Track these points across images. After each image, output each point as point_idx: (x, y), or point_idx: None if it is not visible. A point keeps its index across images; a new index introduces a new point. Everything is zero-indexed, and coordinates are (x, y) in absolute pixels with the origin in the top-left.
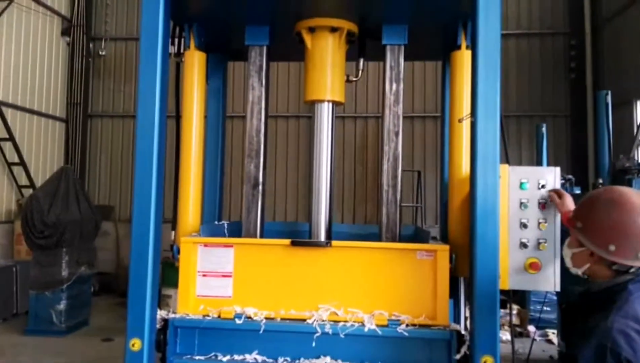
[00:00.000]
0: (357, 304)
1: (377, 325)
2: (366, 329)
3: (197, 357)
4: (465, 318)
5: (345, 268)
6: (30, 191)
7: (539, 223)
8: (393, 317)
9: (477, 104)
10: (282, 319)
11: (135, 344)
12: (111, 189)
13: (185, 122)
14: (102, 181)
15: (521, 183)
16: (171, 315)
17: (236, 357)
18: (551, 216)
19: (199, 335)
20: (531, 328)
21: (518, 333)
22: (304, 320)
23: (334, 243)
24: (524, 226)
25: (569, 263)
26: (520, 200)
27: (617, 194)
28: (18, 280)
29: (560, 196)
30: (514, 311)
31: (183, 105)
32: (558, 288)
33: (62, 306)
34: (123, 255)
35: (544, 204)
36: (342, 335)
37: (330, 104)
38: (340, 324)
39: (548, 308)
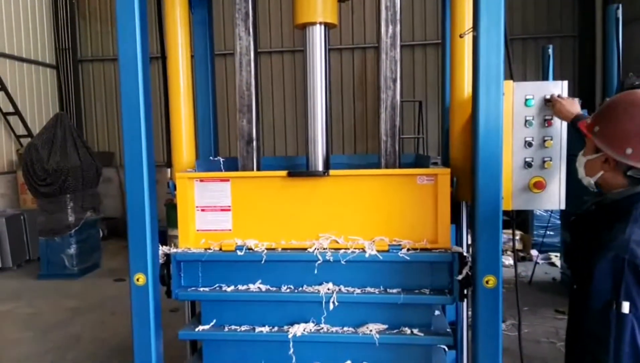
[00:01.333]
0: (358, 232)
1: (378, 251)
2: (367, 255)
3: (201, 289)
4: (468, 246)
5: (345, 197)
6: (29, 140)
7: (544, 141)
8: (394, 243)
9: (479, 16)
10: (283, 249)
11: (140, 279)
12: (109, 136)
13: (171, 57)
14: (99, 127)
15: (526, 100)
16: (173, 250)
17: (240, 287)
18: (557, 133)
19: (202, 268)
20: (534, 252)
21: (521, 257)
22: (305, 249)
23: (331, 172)
24: (528, 144)
25: (582, 173)
26: (525, 118)
27: (637, 96)
28: (27, 228)
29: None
30: (517, 237)
31: (167, 39)
32: (563, 206)
33: (72, 250)
34: None
35: (550, 121)
36: (343, 262)
37: (323, 27)
38: (341, 251)
39: (551, 233)
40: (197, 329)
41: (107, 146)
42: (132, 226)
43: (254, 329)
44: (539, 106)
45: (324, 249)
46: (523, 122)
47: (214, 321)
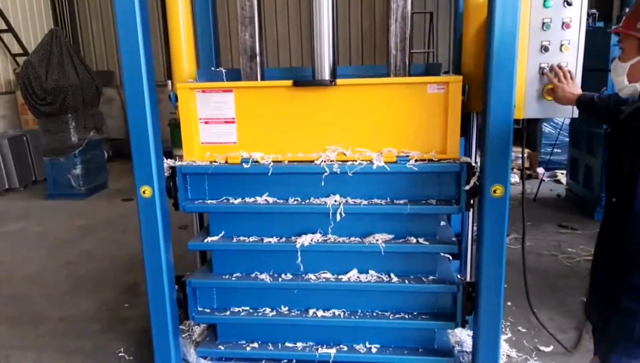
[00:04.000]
0: (365, 144)
1: (386, 162)
2: (375, 166)
3: (208, 202)
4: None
5: (352, 107)
6: (25, 59)
7: (562, 45)
8: (402, 154)
9: None
10: (289, 162)
11: (146, 191)
12: (107, 54)
13: None
14: (97, 45)
15: (545, 0)
16: (178, 163)
17: (247, 200)
18: (575, 38)
19: (208, 181)
20: (540, 170)
21: (527, 175)
22: (312, 161)
23: (338, 81)
24: (544, 49)
25: (623, 81)
26: (542, 20)
27: None
28: (31, 149)
29: (564, 76)
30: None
31: None
32: (576, 114)
33: (78, 170)
34: None
35: (568, 24)
36: (350, 174)
37: None
38: (349, 163)
39: (559, 150)
40: (205, 240)
41: (106, 64)
42: (134, 137)
43: (262, 240)
44: (558, 6)
45: (331, 161)
46: (540, 25)
47: (222, 233)
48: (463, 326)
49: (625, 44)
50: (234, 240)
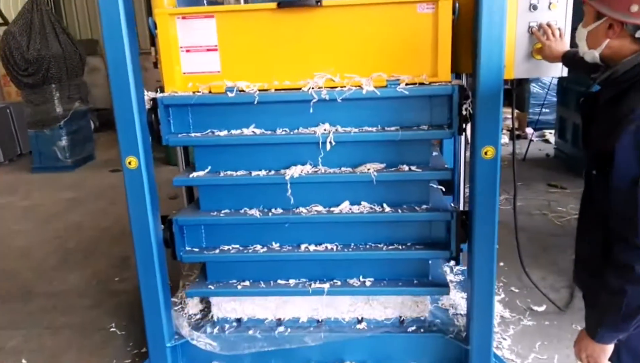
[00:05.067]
0: (354, 69)
1: (376, 87)
2: (364, 91)
3: (193, 135)
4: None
5: (339, 30)
6: (4, 28)
7: (550, 3)
8: (392, 78)
9: None
10: (276, 90)
11: (132, 162)
12: (91, 22)
13: None
14: (80, 13)
15: None
16: (159, 95)
17: (233, 132)
18: None
19: (192, 113)
20: (529, 130)
21: (516, 136)
22: (299, 89)
23: (324, 2)
24: (533, 7)
25: (584, 47)
26: None
27: None
28: (14, 121)
29: (553, 34)
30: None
31: None
32: (565, 73)
33: (63, 142)
34: None
35: None
36: (339, 100)
37: None
38: (338, 89)
39: (547, 110)
40: (191, 175)
41: (90, 32)
42: (118, 107)
43: (250, 174)
44: None
45: (319, 88)
46: None
47: (209, 167)
48: (457, 256)
49: (585, 9)
50: (221, 174)
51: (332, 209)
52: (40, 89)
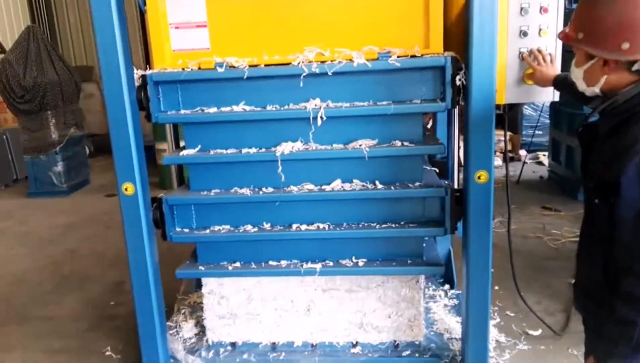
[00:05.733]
0: (345, 43)
1: (367, 60)
2: (355, 64)
3: (182, 112)
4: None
5: (329, 3)
6: (1, 56)
7: (540, 30)
8: (383, 51)
9: None
10: (265, 65)
11: (128, 188)
12: (86, 49)
13: None
14: (75, 40)
15: None
16: (148, 71)
17: (223, 109)
18: (553, 22)
19: (181, 90)
20: (522, 152)
21: (510, 158)
22: (289, 63)
23: None
24: (523, 34)
25: (582, 85)
26: (520, 5)
27: None
28: (11, 147)
29: (544, 59)
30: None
31: None
32: (557, 98)
33: (59, 168)
34: None
35: (546, 9)
36: (330, 74)
37: None
38: (328, 63)
39: (540, 132)
40: (181, 154)
41: (85, 59)
42: (114, 133)
43: (240, 151)
44: None
45: (310, 62)
46: (519, 10)
47: (199, 146)
48: (452, 232)
49: (575, 50)
50: (211, 153)
51: (323, 187)
52: (36, 115)
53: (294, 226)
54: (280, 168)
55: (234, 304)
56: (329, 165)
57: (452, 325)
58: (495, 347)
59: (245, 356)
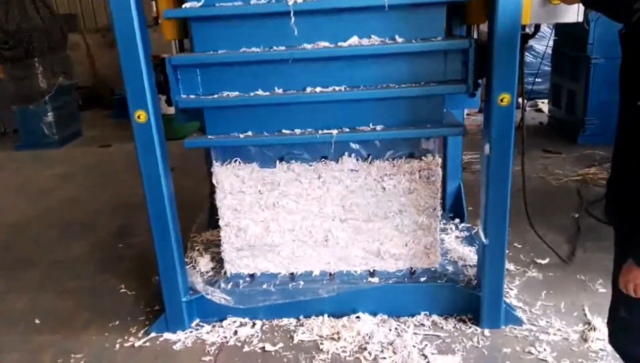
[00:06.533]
0: None
1: None
2: None
3: None
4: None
5: None
6: None
7: None
8: None
9: None
10: None
11: (141, 116)
12: None
13: None
14: None
15: None
16: None
17: None
18: None
19: None
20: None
21: None
22: None
23: None
24: None
25: None
26: None
27: None
28: None
29: None
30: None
31: None
32: (581, 18)
33: (50, 118)
34: (98, 66)
35: None
36: None
37: None
38: None
39: (539, 80)
40: (184, 6)
41: (67, 7)
42: (125, 59)
43: (248, 3)
44: None
45: None
46: None
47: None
48: (475, 89)
49: None
50: (216, 5)
51: (339, 44)
52: (22, 63)
53: (308, 89)
54: (292, 20)
55: (252, 236)
56: (344, 20)
57: (465, 254)
58: (505, 275)
59: (264, 286)
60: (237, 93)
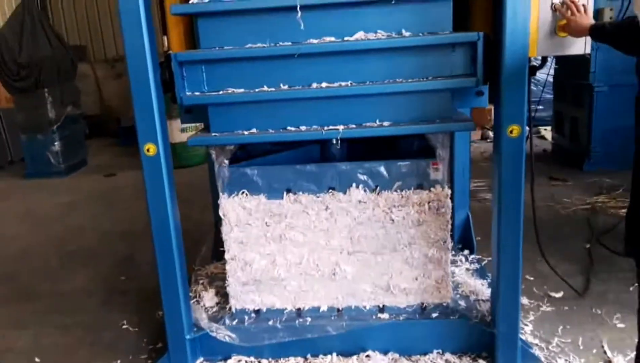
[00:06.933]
0: None
1: None
2: None
3: None
4: None
5: None
6: None
7: None
8: None
9: None
10: None
11: (150, 149)
12: (79, 28)
13: None
14: (67, 19)
15: None
16: None
17: None
18: None
19: None
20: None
21: None
22: None
23: None
24: None
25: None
26: None
27: None
28: (5, 128)
29: (577, 9)
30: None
31: None
32: (588, 50)
33: (57, 147)
34: (106, 97)
35: None
36: None
37: None
38: None
39: (541, 107)
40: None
41: (78, 38)
42: (136, 92)
43: None
44: None
45: None
46: None
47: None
48: (484, 83)
49: None
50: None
51: (346, 38)
52: (32, 93)
53: (314, 85)
54: (299, 14)
55: (258, 270)
56: (351, 15)
57: (477, 287)
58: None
59: (270, 323)
60: (242, 90)
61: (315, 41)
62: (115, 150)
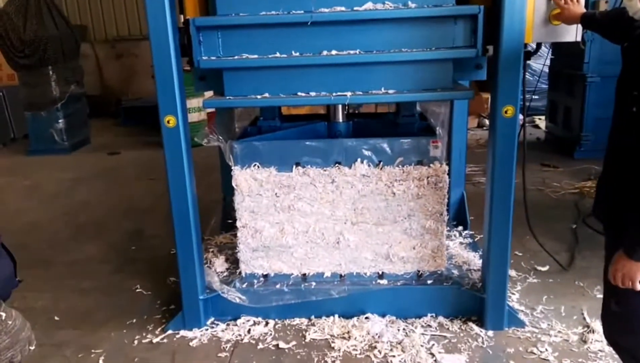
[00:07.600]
0: None
1: None
2: None
3: None
4: None
5: None
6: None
7: None
8: None
9: None
10: None
11: (170, 121)
12: (80, 8)
13: None
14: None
15: None
16: None
17: None
18: None
19: None
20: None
21: None
22: None
23: None
24: None
25: (636, 5)
26: None
27: None
28: (8, 105)
29: None
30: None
31: None
32: (579, 38)
33: (60, 125)
34: (107, 77)
35: None
36: None
37: None
38: None
39: (536, 97)
40: None
41: (79, 18)
42: (158, 67)
43: None
44: None
45: None
46: None
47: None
48: (484, 54)
49: None
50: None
51: (355, 9)
52: (36, 70)
53: (324, 52)
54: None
55: (267, 237)
56: None
57: (470, 258)
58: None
59: (278, 286)
60: (255, 56)
61: (326, 10)
62: (116, 130)
